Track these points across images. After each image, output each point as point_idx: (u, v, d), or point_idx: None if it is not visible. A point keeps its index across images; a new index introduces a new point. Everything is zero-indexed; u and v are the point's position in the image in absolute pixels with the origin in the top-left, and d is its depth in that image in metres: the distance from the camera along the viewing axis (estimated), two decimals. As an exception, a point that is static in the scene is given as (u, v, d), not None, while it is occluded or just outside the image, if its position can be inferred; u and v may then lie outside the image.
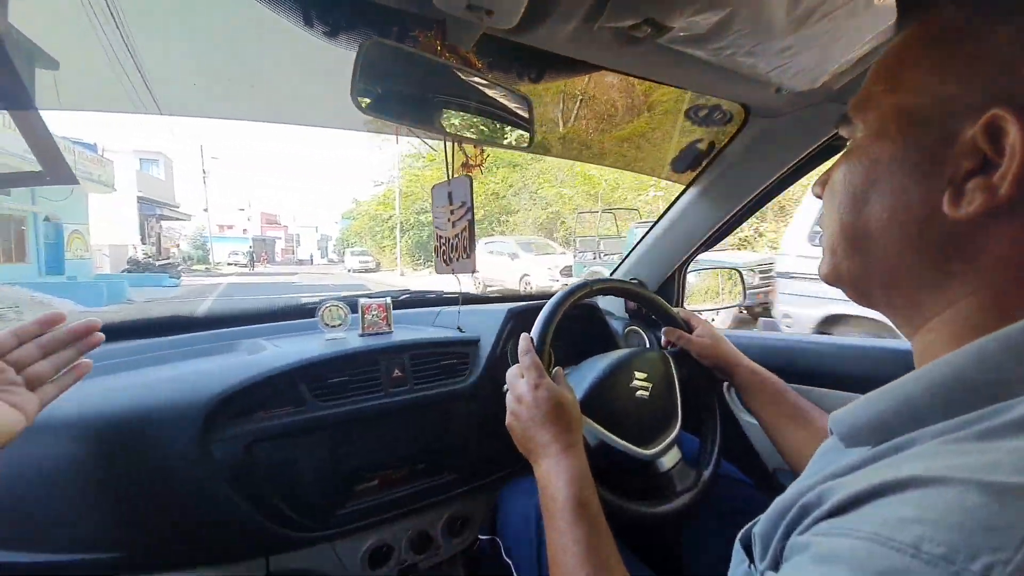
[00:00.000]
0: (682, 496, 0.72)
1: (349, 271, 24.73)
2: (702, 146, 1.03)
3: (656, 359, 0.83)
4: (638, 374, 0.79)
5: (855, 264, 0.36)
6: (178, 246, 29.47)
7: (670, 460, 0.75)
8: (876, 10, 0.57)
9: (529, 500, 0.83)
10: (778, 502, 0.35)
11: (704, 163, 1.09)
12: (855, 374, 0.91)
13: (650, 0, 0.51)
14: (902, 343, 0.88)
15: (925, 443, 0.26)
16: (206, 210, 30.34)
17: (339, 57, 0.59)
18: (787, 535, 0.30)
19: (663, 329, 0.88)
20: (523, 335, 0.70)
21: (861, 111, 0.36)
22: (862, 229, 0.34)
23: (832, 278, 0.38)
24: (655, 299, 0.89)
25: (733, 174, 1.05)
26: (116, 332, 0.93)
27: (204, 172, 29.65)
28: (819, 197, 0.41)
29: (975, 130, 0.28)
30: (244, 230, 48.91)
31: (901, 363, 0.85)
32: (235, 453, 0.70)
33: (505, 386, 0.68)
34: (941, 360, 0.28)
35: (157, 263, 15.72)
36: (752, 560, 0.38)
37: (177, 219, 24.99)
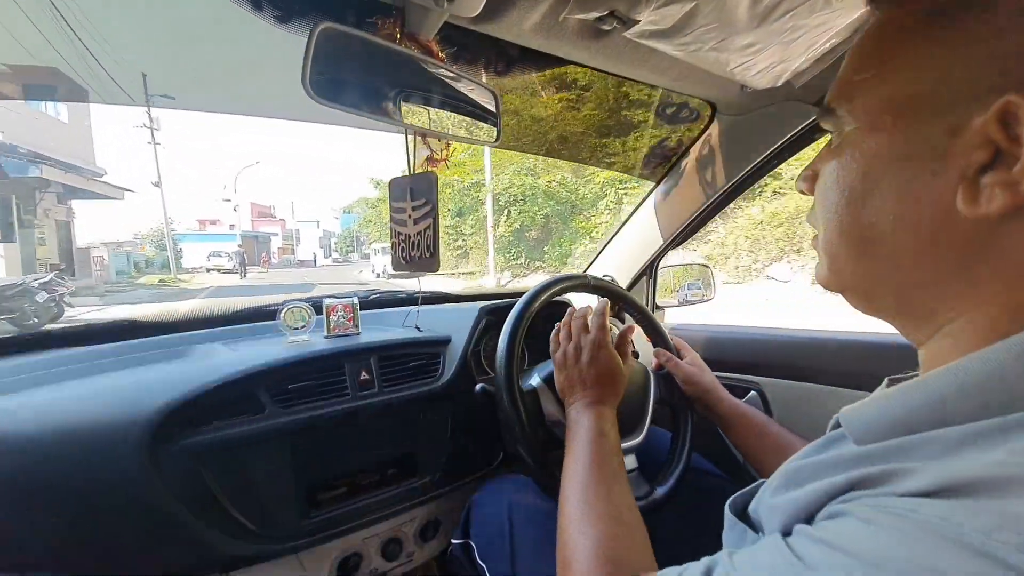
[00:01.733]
0: None
1: (378, 275, 18.09)
2: (670, 143, 1.04)
3: (638, 368, 0.83)
4: None
5: (861, 269, 0.33)
6: (105, 258, 16.42)
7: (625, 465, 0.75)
8: (835, 7, 0.58)
9: (502, 502, 0.82)
10: (790, 469, 0.33)
11: (672, 160, 1.10)
12: (834, 368, 0.93)
13: (615, -9, 0.50)
14: (882, 336, 0.91)
15: (974, 445, 0.24)
16: (157, 184, 17.15)
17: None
18: (822, 502, 0.28)
19: (654, 350, 0.89)
20: (599, 300, 0.75)
21: (845, 101, 0.33)
22: (868, 232, 0.31)
23: (834, 285, 0.35)
24: (653, 319, 0.90)
25: (700, 171, 1.07)
26: (55, 339, 0.87)
27: (150, 127, 16.33)
28: (804, 193, 0.38)
29: (986, 119, 0.25)
30: (232, 225, 37.43)
31: (887, 357, 0.87)
32: (188, 466, 0.66)
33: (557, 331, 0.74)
34: (975, 356, 0.26)
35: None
36: (751, 526, 0.36)
37: (101, 196, 13.33)
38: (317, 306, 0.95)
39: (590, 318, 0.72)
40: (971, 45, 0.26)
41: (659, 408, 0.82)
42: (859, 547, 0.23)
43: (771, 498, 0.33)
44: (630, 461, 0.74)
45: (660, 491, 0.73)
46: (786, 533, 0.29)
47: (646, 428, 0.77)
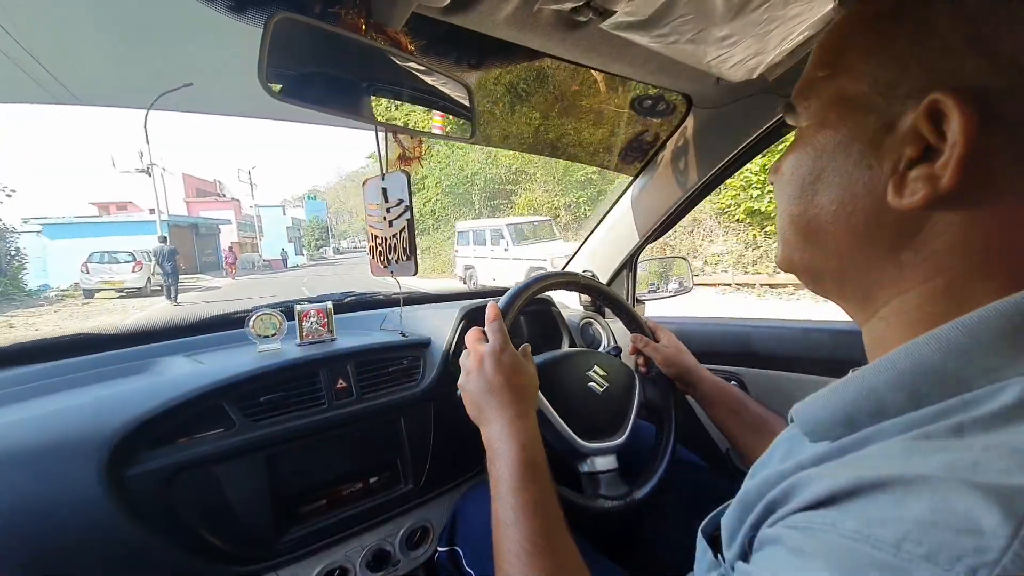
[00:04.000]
0: (601, 500, 0.68)
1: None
2: (648, 137, 1.04)
3: (622, 367, 0.83)
4: (598, 369, 0.78)
5: (807, 255, 0.35)
6: None
7: (603, 464, 0.72)
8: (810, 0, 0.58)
9: (488, 507, 0.80)
10: (743, 494, 0.34)
11: (649, 154, 1.09)
12: (812, 357, 0.95)
13: (590, -20, 0.48)
14: (852, 324, 0.93)
15: (895, 436, 0.25)
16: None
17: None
18: (756, 526, 0.29)
19: (631, 336, 0.88)
20: (490, 302, 0.68)
21: (804, 98, 0.34)
22: (812, 220, 0.33)
23: (786, 267, 0.38)
24: (628, 307, 0.89)
25: (677, 164, 1.07)
26: (3, 358, 0.80)
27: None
28: (772, 185, 0.40)
29: (916, 116, 0.27)
30: (151, 210, 19.50)
31: (855, 343, 0.90)
32: (153, 488, 0.62)
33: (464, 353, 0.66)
34: (901, 350, 0.27)
35: None
36: (718, 551, 0.37)
37: None
38: (288, 312, 0.91)
39: (486, 327, 0.66)
40: (906, 45, 0.28)
41: (641, 410, 0.81)
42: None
43: (727, 521, 0.34)
44: (610, 461, 0.73)
45: (638, 494, 0.72)
46: (731, 569, 0.30)
47: (628, 430, 0.76)
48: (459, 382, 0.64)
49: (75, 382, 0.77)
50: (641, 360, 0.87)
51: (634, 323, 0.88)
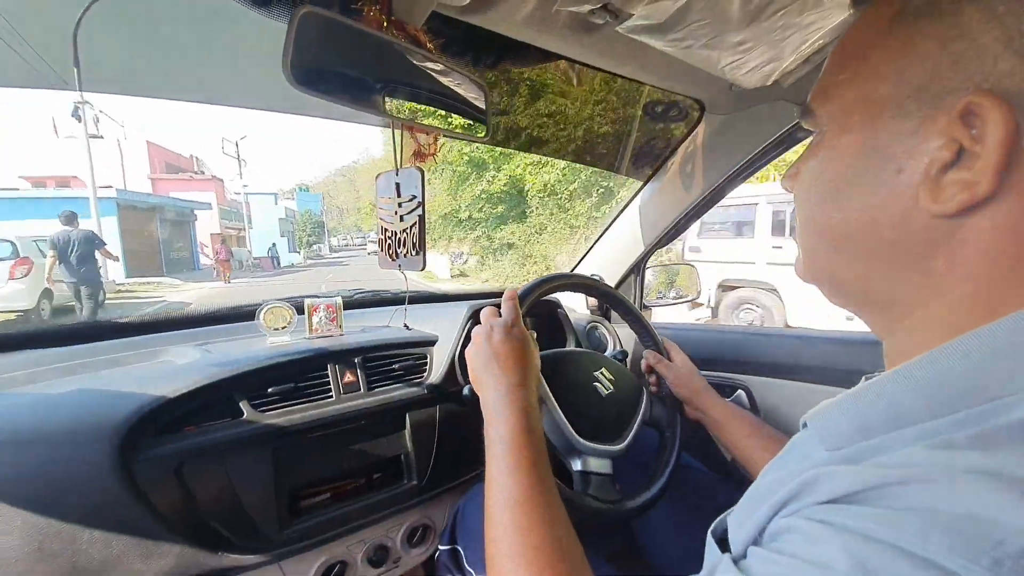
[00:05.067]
0: (589, 500, 0.65)
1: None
2: (659, 143, 1.04)
3: (630, 377, 0.82)
4: (606, 372, 0.78)
5: (832, 263, 0.34)
6: None
7: (597, 466, 0.69)
8: (825, 6, 0.58)
9: None
10: (754, 489, 0.34)
11: (660, 159, 1.10)
12: (818, 365, 0.94)
13: (608, -17, 0.49)
14: (857, 334, 0.92)
15: (914, 444, 0.25)
16: None
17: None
18: (769, 518, 0.29)
19: (644, 352, 0.87)
20: (509, 289, 0.69)
21: (823, 102, 0.34)
22: (837, 227, 0.32)
23: (808, 276, 0.37)
24: (646, 321, 0.88)
25: (688, 170, 1.07)
26: (20, 340, 0.81)
27: None
28: (789, 191, 0.39)
29: (950, 118, 0.26)
30: (110, 186, 14.17)
31: (868, 353, 0.87)
32: (161, 475, 0.63)
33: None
34: (924, 358, 0.27)
35: None
36: (726, 550, 0.36)
37: None
38: (299, 306, 0.92)
39: (502, 305, 0.67)
40: (935, 46, 0.27)
41: (644, 426, 0.79)
42: (806, 559, 0.23)
43: (736, 518, 0.34)
44: (604, 465, 0.71)
45: (629, 504, 0.69)
46: (742, 556, 0.29)
47: (628, 440, 0.73)
48: (466, 350, 0.64)
49: (88, 367, 0.78)
50: (653, 378, 0.87)
51: (649, 339, 0.88)
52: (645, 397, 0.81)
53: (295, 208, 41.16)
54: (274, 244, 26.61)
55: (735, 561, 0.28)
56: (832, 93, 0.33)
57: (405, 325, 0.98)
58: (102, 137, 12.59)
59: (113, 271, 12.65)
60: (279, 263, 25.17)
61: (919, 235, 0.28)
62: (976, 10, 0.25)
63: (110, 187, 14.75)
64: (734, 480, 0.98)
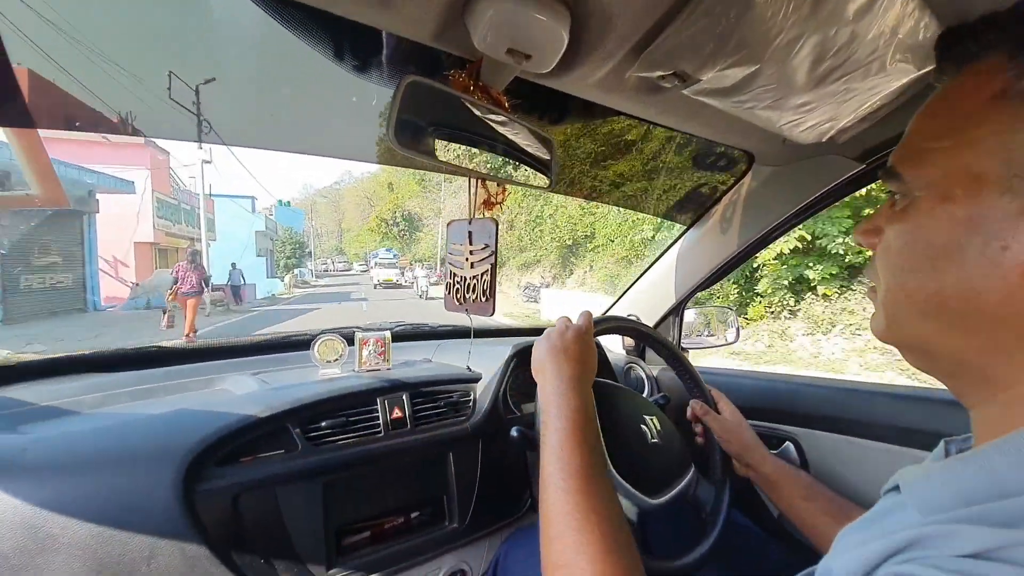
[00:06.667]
0: None
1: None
2: (705, 189, 1.05)
3: (680, 438, 0.79)
4: (655, 421, 0.76)
5: (923, 331, 0.34)
6: None
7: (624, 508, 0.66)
8: (889, 72, 0.60)
9: (534, 553, 0.78)
10: (834, 557, 0.33)
11: (705, 206, 1.11)
12: (872, 421, 0.90)
13: (684, 54, 0.52)
14: (928, 391, 0.88)
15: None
16: None
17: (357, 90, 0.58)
18: (876, 564, 0.28)
19: (691, 401, 0.85)
20: (585, 310, 0.72)
21: (915, 166, 0.34)
22: (932, 297, 0.32)
23: (891, 339, 0.36)
24: (695, 371, 0.86)
25: (733, 218, 1.07)
26: (85, 365, 0.85)
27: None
28: (862, 245, 0.39)
29: None
30: None
31: (932, 412, 0.81)
32: (220, 507, 0.64)
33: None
34: None
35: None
36: None
37: None
38: (349, 337, 0.94)
39: (578, 318, 0.70)
40: None
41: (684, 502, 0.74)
42: None
43: (827, 563, 0.33)
44: (630, 511, 0.67)
45: (652, 563, 0.64)
46: None
47: (662, 500, 0.69)
48: (535, 344, 0.67)
49: (149, 393, 0.81)
50: (699, 428, 0.84)
51: (697, 388, 0.85)
52: (692, 474, 0.75)
53: (277, 222, 32.00)
54: (235, 265, 15.45)
55: None
56: (927, 160, 0.33)
57: (468, 367, 0.99)
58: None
59: None
60: (244, 296, 16.07)
61: (1023, 314, 0.28)
62: None
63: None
64: (782, 537, 0.93)
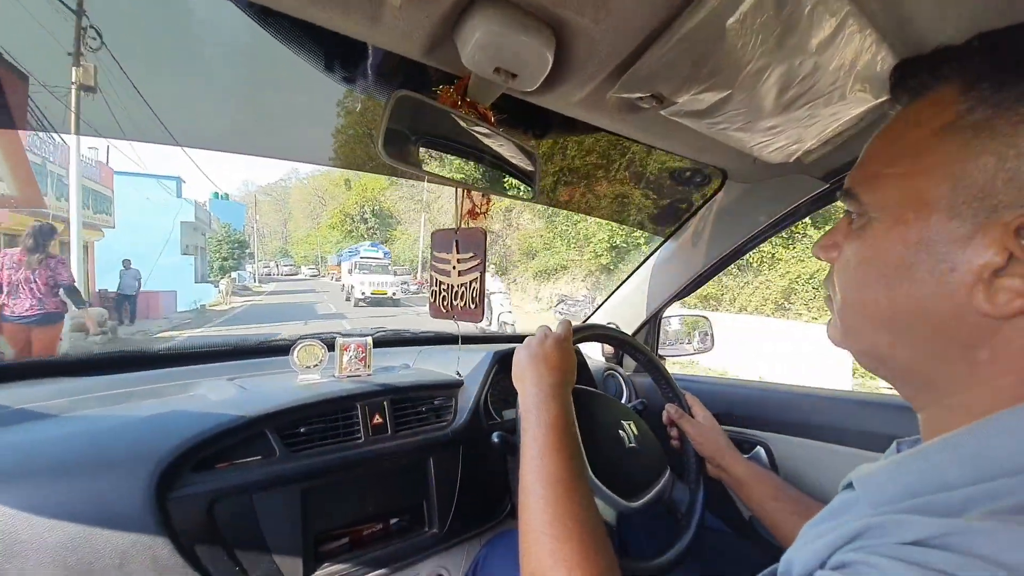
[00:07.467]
0: None
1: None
2: (681, 204, 1.10)
3: (657, 445, 0.82)
4: (632, 427, 0.79)
5: (875, 340, 0.36)
6: None
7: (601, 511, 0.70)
8: (848, 100, 0.64)
9: (512, 557, 0.79)
10: (800, 544, 0.35)
11: (681, 220, 1.15)
12: (839, 426, 0.94)
13: (661, 78, 0.55)
14: (887, 397, 0.93)
15: (968, 506, 0.27)
16: None
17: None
18: (829, 553, 0.31)
19: (667, 406, 0.87)
20: (564, 319, 0.73)
21: (871, 190, 0.35)
22: (884, 310, 0.34)
23: (848, 347, 0.39)
24: (669, 375, 0.89)
25: (708, 231, 1.12)
26: (60, 368, 0.83)
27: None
28: (820, 259, 0.41)
29: (1004, 231, 0.28)
30: None
31: (891, 417, 0.86)
32: (195, 513, 0.63)
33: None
34: (964, 431, 0.30)
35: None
36: None
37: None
38: (330, 343, 0.94)
39: (557, 326, 0.72)
40: (992, 162, 0.29)
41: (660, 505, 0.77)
42: None
43: (789, 556, 0.35)
44: (608, 514, 0.69)
45: (625, 562, 0.67)
46: None
47: (639, 503, 0.71)
48: (515, 352, 0.68)
49: (123, 398, 0.79)
50: (674, 432, 0.87)
51: (672, 393, 0.88)
52: (667, 476, 0.79)
53: (212, 213, 26.88)
54: (128, 264, 10.63)
55: None
56: (882, 184, 0.35)
57: (457, 372, 0.99)
58: None
59: None
60: (153, 309, 11.89)
61: (967, 329, 0.30)
62: None
63: None
64: (751, 539, 0.97)
